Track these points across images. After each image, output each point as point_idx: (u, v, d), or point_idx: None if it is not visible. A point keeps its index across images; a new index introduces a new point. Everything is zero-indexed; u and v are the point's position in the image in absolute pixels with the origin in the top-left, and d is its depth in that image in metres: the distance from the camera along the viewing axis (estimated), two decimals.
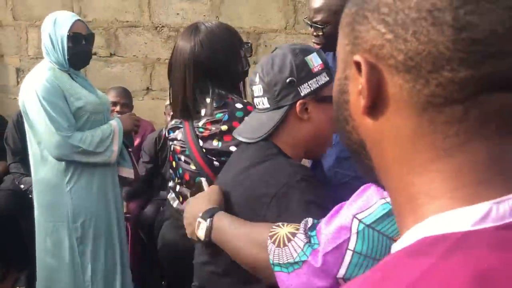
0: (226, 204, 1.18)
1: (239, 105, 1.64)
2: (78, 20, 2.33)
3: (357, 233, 0.80)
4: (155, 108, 3.88)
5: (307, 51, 1.22)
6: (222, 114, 1.65)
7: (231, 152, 1.55)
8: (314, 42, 2.14)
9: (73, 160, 2.25)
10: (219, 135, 1.65)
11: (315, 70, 1.20)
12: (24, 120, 2.34)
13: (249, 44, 1.81)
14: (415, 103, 0.42)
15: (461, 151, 0.41)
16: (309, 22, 2.07)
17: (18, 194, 3.18)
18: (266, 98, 1.22)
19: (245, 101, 1.70)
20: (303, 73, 1.19)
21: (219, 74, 1.66)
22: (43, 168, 2.33)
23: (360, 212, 0.80)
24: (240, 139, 1.28)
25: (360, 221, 0.80)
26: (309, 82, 1.19)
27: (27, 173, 3.23)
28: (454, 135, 0.41)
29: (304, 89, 1.19)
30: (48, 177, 2.32)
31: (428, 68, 0.41)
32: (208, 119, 1.66)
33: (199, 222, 1.12)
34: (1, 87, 4.19)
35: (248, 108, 1.58)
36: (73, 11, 3.77)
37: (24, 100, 2.28)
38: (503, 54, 0.39)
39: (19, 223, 3.18)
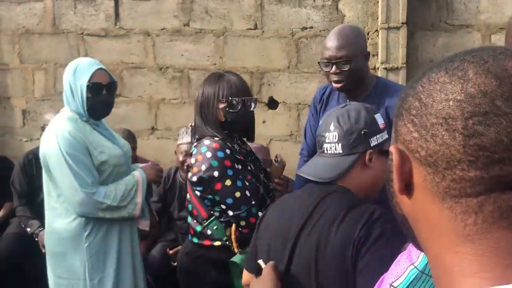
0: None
1: (206, 142, 1.91)
2: (99, 69, 2.24)
3: None
4: (160, 148, 3.91)
5: (374, 110, 1.46)
6: (194, 148, 1.96)
7: (196, 182, 1.91)
8: (334, 81, 2.19)
9: (97, 216, 2.18)
10: (190, 167, 1.94)
11: (381, 126, 1.43)
12: (43, 171, 2.26)
13: (238, 100, 1.97)
14: (436, 192, 0.49)
15: (481, 238, 0.46)
16: (331, 61, 2.14)
17: (23, 237, 3.16)
18: (340, 144, 1.39)
19: (215, 139, 1.93)
20: (374, 127, 1.40)
21: (205, 114, 1.99)
22: (61, 221, 2.23)
23: (395, 280, 0.83)
24: (311, 178, 1.42)
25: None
26: (377, 136, 1.40)
27: (33, 216, 3.23)
28: (473, 224, 0.47)
29: (373, 141, 1.40)
30: (64, 229, 2.22)
31: (443, 165, 0.49)
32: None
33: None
34: (8, 128, 4.22)
35: (213, 146, 1.87)
36: (79, 54, 3.86)
37: (45, 152, 2.20)
38: (510, 160, 0.46)
39: (23, 267, 3.16)
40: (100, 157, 2.20)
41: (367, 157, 1.38)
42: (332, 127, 1.40)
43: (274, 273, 1.30)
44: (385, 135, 1.43)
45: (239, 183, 1.86)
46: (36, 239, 3.11)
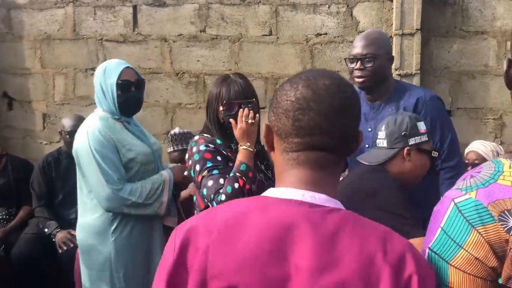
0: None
1: (195, 137, 2.01)
2: (127, 67, 2.31)
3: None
4: None
5: (418, 119, 1.92)
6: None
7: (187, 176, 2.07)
8: (357, 76, 2.32)
9: (122, 212, 2.25)
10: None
11: (421, 131, 1.88)
12: (77, 168, 2.33)
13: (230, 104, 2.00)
14: (281, 149, 0.93)
15: (294, 169, 0.91)
16: (355, 57, 2.31)
17: (41, 238, 3.23)
18: (386, 140, 1.90)
19: (204, 135, 2.00)
20: (414, 130, 1.87)
21: (208, 114, 2.08)
22: (90, 215, 2.30)
23: (431, 242, 0.90)
24: (364, 162, 1.93)
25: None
26: (415, 137, 1.87)
27: (51, 217, 3.31)
28: (292, 164, 0.92)
29: (411, 141, 1.87)
30: (93, 223, 2.29)
31: (283, 136, 0.92)
32: None
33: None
34: (29, 132, 4.34)
35: (198, 140, 1.97)
36: (98, 59, 3.95)
37: (77, 149, 2.28)
38: (315, 134, 0.89)
39: (42, 266, 3.23)
40: (128, 154, 2.26)
41: (405, 152, 1.85)
42: (383, 128, 1.91)
43: None
44: (424, 138, 1.88)
45: (214, 172, 1.88)
46: (54, 239, 3.18)
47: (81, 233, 2.36)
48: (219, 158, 1.91)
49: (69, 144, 3.27)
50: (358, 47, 2.31)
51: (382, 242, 0.81)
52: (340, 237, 0.81)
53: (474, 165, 2.86)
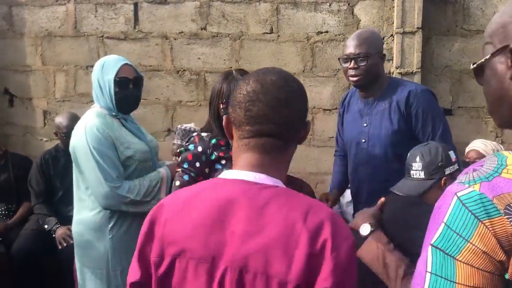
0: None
1: (194, 134, 2.06)
2: (126, 64, 2.29)
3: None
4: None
5: (448, 148, 1.98)
6: None
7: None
8: (351, 75, 2.38)
9: (121, 209, 2.24)
10: None
11: (453, 160, 1.94)
12: (73, 165, 2.33)
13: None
14: (237, 137, 1.08)
15: (245, 153, 1.06)
16: (350, 57, 2.36)
17: (41, 234, 3.24)
18: (423, 172, 1.93)
19: (201, 134, 2.03)
20: (448, 161, 1.92)
21: (210, 111, 2.11)
22: (88, 212, 2.29)
23: (432, 238, 0.87)
24: (401, 194, 1.97)
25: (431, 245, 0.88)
26: (450, 167, 1.92)
27: (51, 213, 3.31)
28: (243, 150, 1.06)
29: (447, 171, 1.92)
30: (91, 220, 2.28)
31: (238, 125, 1.07)
32: None
33: (369, 225, 1.73)
34: (29, 128, 4.34)
35: (194, 139, 2.01)
36: (99, 57, 3.95)
37: (74, 146, 2.26)
38: (262, 122, 1.04)
39: (42, 263, 3.23)
40: (126, 152, 2.25)
41: (443, 182, 1.91)
42: (417, 159, 1.95)
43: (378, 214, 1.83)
44: (456, 167, 1.95)
45: (185, 177, 1.95)
46: (54, 235, 3.19)
47: (77, 229, 2.35)
48: (197, 164, 1.95)
49: (67, 143, 3.27)
50: (351, 47, 2.37)
51: (305, 212, 0.95)
52: (269, 208, 0.96)
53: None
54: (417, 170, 1.96)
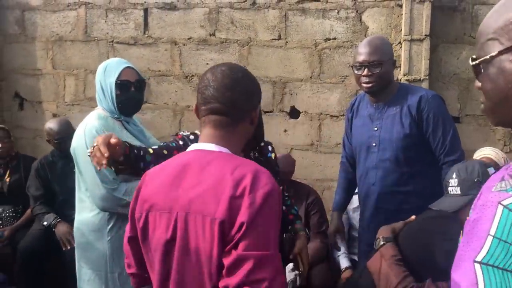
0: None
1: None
2: (128, 67, 2.30)
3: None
4: None
5: (487, 165, 2.04)
6: None
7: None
8: (365, 82, 2.40)
9: (118, 212, 2.23)
10: None
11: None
12: (76, 167, 2.33)
13: None
14: (201, 116, 1.36)
15: (204, 129, 1.35)
16: (362, 64, 2.38)
17: (47, 233, 3.23)
18: (459, 188, 1.95)
19: (183, 133, 2.01)
20: (485, 177, 1.89)
21: None
22: (88, 213, 2.30)
23: (478, 254, 0.80)
24: (438, 208, 1.99)
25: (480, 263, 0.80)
26: None
27: (50, 210, 3.31)
28: (203, 126, 1.35)
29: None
30: (90, 221, 2.29)
31: (198, 106, 1.36)
32: None
33: (380, 239, 1.93)
34: (39, 131, 4.38)
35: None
36: None
37: (75, 148, 2.27)
38: (214, 102, 1.32)
39: (45, 263, 3.25)
40: None
41: None
42: (454, 176, 1.98)
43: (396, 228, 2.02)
44: None
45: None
46: (54, 229, 3.18)
47: (78, 230, 2.36)
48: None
49: (61, 148, 3.28)
50: (364, 54, 2.38)
51: (234, 168, 1.21)
52: (210, 166, 1.24)
53: None
54: (453, 186, 1.99)
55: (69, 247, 3.09)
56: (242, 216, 1.14)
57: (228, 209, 1.15)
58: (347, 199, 2.84)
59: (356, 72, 2.43)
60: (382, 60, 2.36)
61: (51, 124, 3.37)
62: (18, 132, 4.44)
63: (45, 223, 3.23)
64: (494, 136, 3.56)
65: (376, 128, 2.46)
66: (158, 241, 1.27)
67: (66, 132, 3.24)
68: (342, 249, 3.12)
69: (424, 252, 1.87)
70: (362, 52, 2.39)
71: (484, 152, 2.96)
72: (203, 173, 1.23)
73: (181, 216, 1.22)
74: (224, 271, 1.15)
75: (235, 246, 1.13)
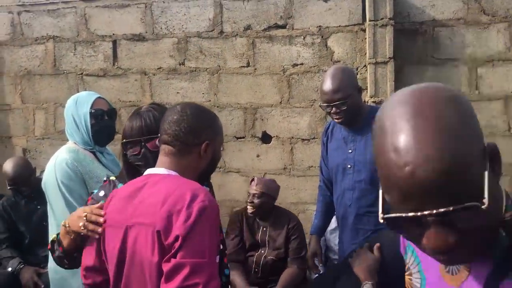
0: None
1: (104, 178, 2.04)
2: (99, 97, 2.32)
3: None
4: None
5: None
6: None
7: None
8: (335, 118, 2.45)
9: None
10: None
11: None
12: (47, 201, 2.27)
13: None
14: None
15: (160, 157, 1.50)
16: (329, 104, 2.39)
17: (14, 276, 3.13)
18: None
19: (111, 179, 1.90)
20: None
21: None
22: None
23: None
24: None
25: None
26: None
27: (15, 255, 3.18)
28: (160, 153, 1.52)
29: None
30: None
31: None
32: None
33: (369, 285, 1.78)
34: None
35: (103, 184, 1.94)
36: None
37: (45, 182, 2.25)
38: (165, 132, 1.51)
39: None
40: (96, 186, 2.21)
41: None
42: None
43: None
44: None
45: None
46: (19, 276, 3.10)
47: (52, 266, 2.31)
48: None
49: (18, 192, 3.23)
50: (328, 94, 2.40)
51: (178, 186, 1.37)
52: (156, 185, 1.40)
53: None
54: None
55: None
56: (178, 229, 1.27)
57: (165, 220, 1.29)
58: (326, 223, 2.86)
59: (325, 110, 2.47)
60: (347, 96, 2.37)
61: (7, 168, 3.21)
62: None
63: (9, 269, 3.13)
64: None
65: (350, 151, 2.50)
66: (111, 253, 1.42)
67: (20, 178, 3.17)
68: (321, 271, 3.12)
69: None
70: (326, 91, 2.41)
71: None
72: (151, 190, 1.39)
73: (130, 228, 1.37)
74: (163, 278, 1.27)
75: (174, 255, 1.26)
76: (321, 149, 2.81)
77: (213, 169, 1.76)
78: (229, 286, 2.11)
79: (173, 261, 1.26)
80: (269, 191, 3.23)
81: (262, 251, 3.19)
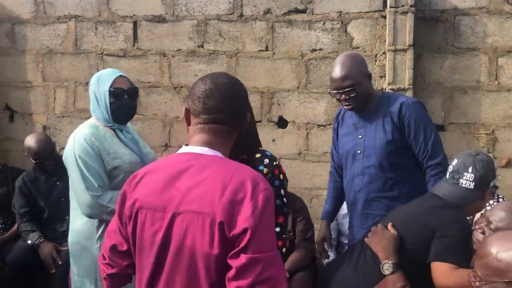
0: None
1: None
2: (121, 75, 2.37)
3: None
4: None
5: (493, 159, 2.12)
6: None
7: None
8: (345, 105, 2.50)
9: (103, 219, 2.26)
10: None
11: (495, 174, 2.09)
12: (68, 174, 2.36)
13: None
14: (193, 123, 1.41)
15: (199, 135, 1.39)
16: (339, 91, 2.44)
17: (33, 248, 3.22)
18: (474, 183, 2.04)
19: None
20: (495, 174, 2.08)
21: None
22: (78, 221, 2.33)
23: None
24: (447, 199, 2.08)
25: None
26: (494, 180, 2.08)
27: (35, 228, 3.27)
28: (199, 132, 1.39)
29: (492, 183, 2.07)
30: (80, 229, 2.32)
31: (196, 114, 1.40)
32: None
33: (389, 265, 1.96)
34: None
35: None
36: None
37: (65, 156, 2.33)
38: (216, 110, 1.38)
39: (34, 277, 3.24)
40: (113, 162, 2.28)
41: (487, 194, 2.06)
42: (470, 169, 2.04)
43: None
44: (498, 177, 2.10)
45: None
46: (37, 249, 3.18)
47: (71, 238, 2.39)
48: None
49: (39, 168, 3.31)
50: (337, 81, 2.44)
51: (233, 172, 1.27)
52: (206, 170, 1.28)
53: None
54: (468, 180, 2.04)
55: (53, 271, 3.08)
56: (246, 222, 1.19)
57: (228, 211, 1.21)
58: (336, 208, 2.89)
59: (335, 97, 2.52)
60: (355, 83, 2.41)
61: (30, 142, 3.30)
62: (8, 144, 4.45)
63: (29, 241, 3.22)
64: (478, 143, 3.63)
65: (360, 136, 2.53)
66: (149, 239, 1.31)
67: (45, 152, 3.25)
68: (332, 256, 3.15)
69: (423, 237, 1.97)
70: (336, 78, 2.45)
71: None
72: (201, 175, 1.28)
73: (177, 216, 1.27)
74: (232, 273, 1.20)
75: (244, 250, 1.19)
76: (332, 135, 2.84)
77: (254, 145, 1.87)
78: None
79: (245, 256, 1.19)
80: None
81: None
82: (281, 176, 2.16)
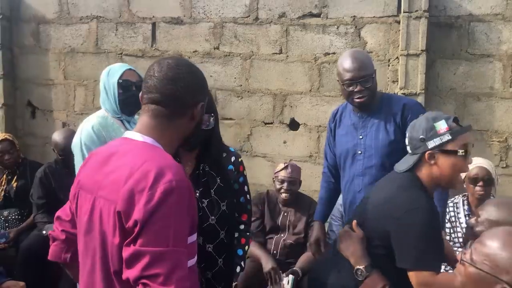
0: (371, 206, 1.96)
1: None
2: (129, 69, 2.45)
3: None
4: None
5: (437, 118, 1.88)
6: None
7: None
8: (358, 97, 2.44)
9: None
10: None
11: (440, 131, 1.85)
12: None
13: None
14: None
15: (142, 117, 1.38)
16: (354, 81, 2.40)
17: (46, 237, 3.31)
18: (409, 147, 1.95)
19: None
20: (431, 133, 1.86)
21: None
22: None
23: None
24: (395, 169, 1.99)
25: None
26: (434, 140, 1.85)
27: (50, 221, 3.39)
28: (142, 113, 1.38)
29: (431, 144, 1.86)
30: None
31: (143, 94, 1.41)
32: None
33: (361, 270, 1.84)
34: (49, 139, 4.50)
35: None
36: None
37: (73, 145, 2.41)
38: (153, 90, 1.35)
39: (46, 266, 3.33)
40: None
41: (426, 157, 1.86)
42: (408, 135, 1.95)
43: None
44: (446, 137, 1.83)
45: None
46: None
47: None
48: None
49: (63, 161, 3.40)
50: (353, 71, 2.41)
51: (144, 161, 1.22)
52: (126, 156, 1.27)
53: (485, 180, 2.86)
54: (407, 145, 1.97)
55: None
56: (137, 214, 1.16)
57: (126, 201, 1.18)
58: (329, 209, 2.86)
59: (348, 89, 2.44)
60: (371, 74, 2.42)
61: (57, 137, 3.45)
62: (29, 139, 4.61)
63: (44, 232, 3.32)
64: (490, 151, 3.59)
65: (361, 136, 2.52)
66: (81, 219, 1.35)
67: (70, 148, 3.35)
68: None
69: (386, 232, 1.83)
70: (350, 69, 2.42)
71: (477, 162, 2.99)
72: (119, 161, 1.27)
73: (97, 200, 1.28)
74: (123, 264, 1.18)
75: (134, 241, 1.16)
76: (327, 135, 2.81)
77: (197, 135, 1.62)
78: (243, 263, 2.17)
79: (132, 248, 1.15)
80: (298, 176, 3.30)
81: (282, 235, 3.26)
82: (245, 172, 2.13)
